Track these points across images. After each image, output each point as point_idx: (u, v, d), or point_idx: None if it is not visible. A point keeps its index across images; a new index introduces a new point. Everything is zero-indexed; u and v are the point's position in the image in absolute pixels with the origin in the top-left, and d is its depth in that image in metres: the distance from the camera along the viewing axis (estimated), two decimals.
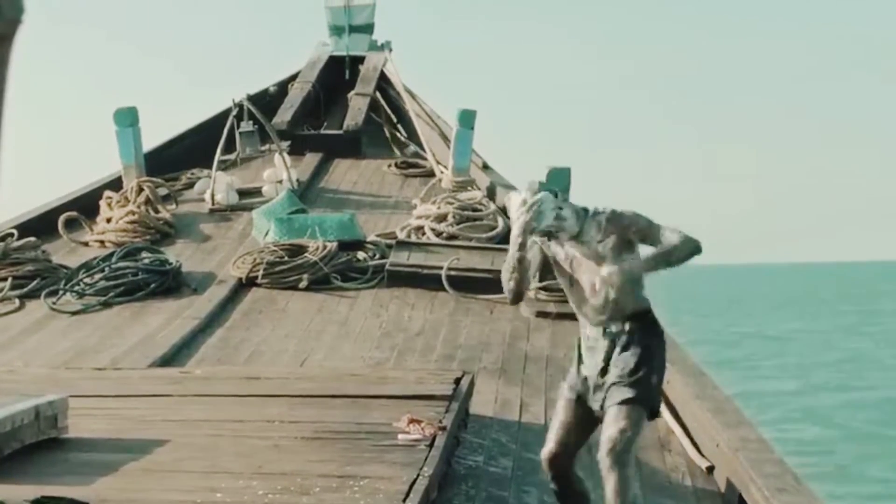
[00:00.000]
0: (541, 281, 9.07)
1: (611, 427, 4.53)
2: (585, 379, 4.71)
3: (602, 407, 4.63)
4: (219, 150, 12.47)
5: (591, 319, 4.71)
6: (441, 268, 9.80)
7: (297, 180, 12.57)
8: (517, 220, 4.72)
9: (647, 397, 4.61)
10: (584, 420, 4.75)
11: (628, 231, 4.67)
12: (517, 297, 4.90)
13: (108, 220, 11.48)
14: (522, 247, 4.69)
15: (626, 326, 4.66)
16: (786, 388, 26.89)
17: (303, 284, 9.73)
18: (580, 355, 4.75)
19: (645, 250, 4.68)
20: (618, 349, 4.64)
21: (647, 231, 4.66)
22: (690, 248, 4.63)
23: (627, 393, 4.56)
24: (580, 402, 4.72)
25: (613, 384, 4.59)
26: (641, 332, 4.67)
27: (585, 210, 4.73)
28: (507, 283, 4.80)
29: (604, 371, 4.64)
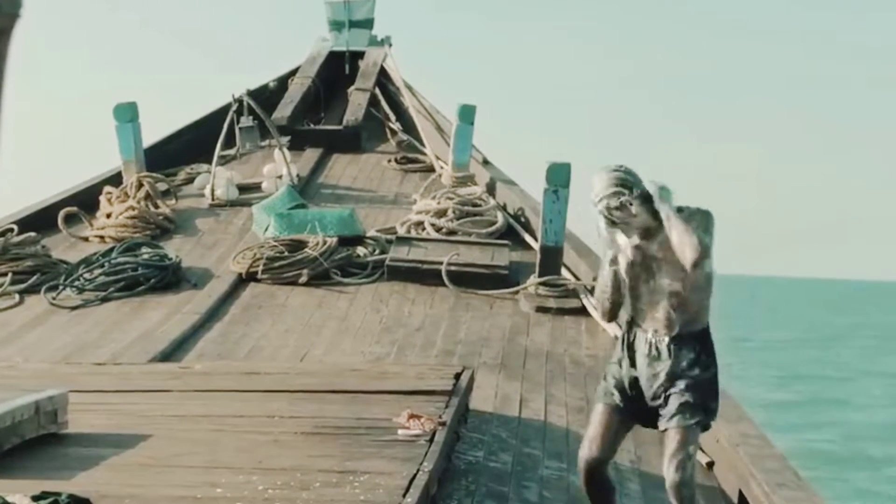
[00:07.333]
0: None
1: (675, 456, 4.56)
2: (635, 381, 4.68)
3: (656, 418, 4.65)
4: (219, 146, 12.45)
5: (661, 331, 4.63)
6: (441, 263, 9.79)
7: (297, 175, 12.56)
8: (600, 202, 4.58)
9: (703, 419, 4.65)
10: (624, 425, 4.77)
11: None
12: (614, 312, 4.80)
13: (108, 216, 11.47)
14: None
15: (692, 342, 4.63)
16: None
17: (303, 280, 9.72)
18: (632, 358, 4.68)
19: None
20: (683, 364, 4.61)
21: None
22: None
23: (688, 417, 4.58)
24: (625, 405, 4.70)
25: (672, 402, 4.59)
26: (703, 350, 4.65)
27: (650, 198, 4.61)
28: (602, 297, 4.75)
29: (664, 384, 4.62)
